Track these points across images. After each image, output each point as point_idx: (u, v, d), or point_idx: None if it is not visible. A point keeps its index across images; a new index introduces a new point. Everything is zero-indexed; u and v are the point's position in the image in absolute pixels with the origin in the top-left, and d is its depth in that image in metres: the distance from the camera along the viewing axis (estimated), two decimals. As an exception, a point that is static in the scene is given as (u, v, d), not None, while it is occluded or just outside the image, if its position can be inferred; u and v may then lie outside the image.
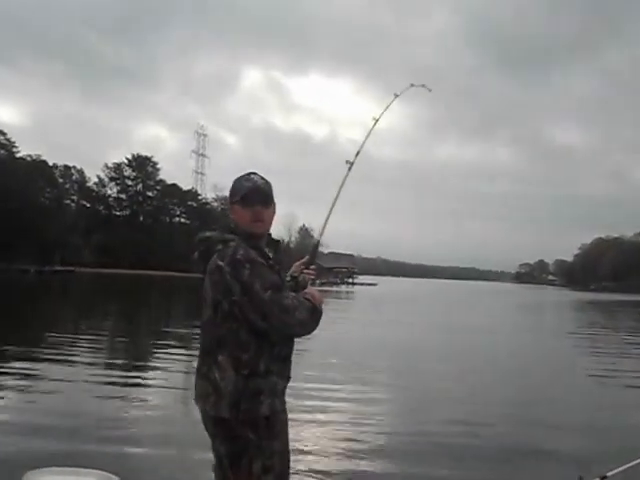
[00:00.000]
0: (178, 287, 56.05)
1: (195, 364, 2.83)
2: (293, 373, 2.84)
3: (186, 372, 10.55)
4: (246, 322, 2.61)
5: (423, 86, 3.86)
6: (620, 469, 3.96)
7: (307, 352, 12.15)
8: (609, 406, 9.56)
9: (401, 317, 27.54)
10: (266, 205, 2.81)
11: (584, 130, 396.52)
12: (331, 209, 3.24)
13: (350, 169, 3.32)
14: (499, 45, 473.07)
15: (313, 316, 2.71)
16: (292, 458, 2.83)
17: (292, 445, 2.86)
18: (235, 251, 2.62)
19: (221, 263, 2.61)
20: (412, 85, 3.79)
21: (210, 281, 2.67)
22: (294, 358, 2.84)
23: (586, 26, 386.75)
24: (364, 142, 3.48)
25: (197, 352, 2.83)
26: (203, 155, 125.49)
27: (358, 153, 3.40)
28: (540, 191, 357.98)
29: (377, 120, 3.59)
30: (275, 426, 2.70)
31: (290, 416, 2.83)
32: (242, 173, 2.86)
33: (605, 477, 3.90)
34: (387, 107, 3.67)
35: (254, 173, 2.86)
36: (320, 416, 7.82)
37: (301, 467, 5.57)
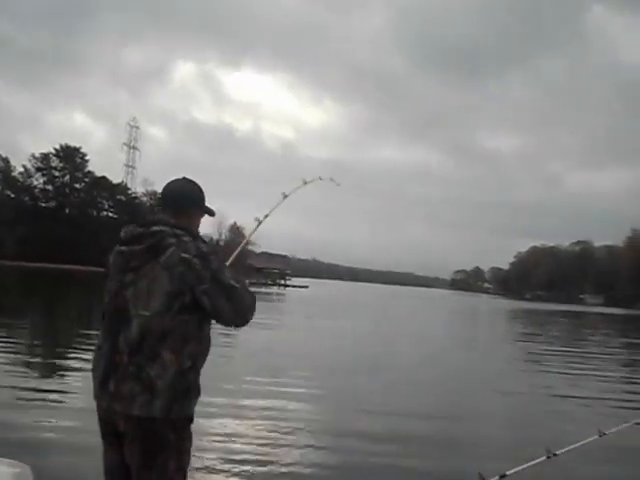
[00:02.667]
0: (101, 283, 54.35)
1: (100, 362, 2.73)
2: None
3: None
4: (212, 309, 2.69)
5: (331, 180, 4.22)
6: (519, 468, 4.03)
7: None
8: (510, 411, 9.84)
9: (323, 323, 27.28)
10: None
11: (521, 137, 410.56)
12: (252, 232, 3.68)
13: (258, 226, 3.68)
14: (436, 48, 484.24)
15: (255, 302, 2.87)
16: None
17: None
18: (198, 244, 2.73)
19: (187, 255, 2.66)
20: (320, 178, 4.10)
21: (169, 274, 2.64)
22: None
23: (521, 33, 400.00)
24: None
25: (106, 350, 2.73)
26: (135, 148, 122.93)
27: (267, 216, 3.76)
28: (477, 197, 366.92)
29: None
30: (190, 426, 2.76)
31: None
32: (176, 177, 3.02)
33: (505, 475, 3.96)
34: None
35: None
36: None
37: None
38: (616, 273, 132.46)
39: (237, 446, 6.61)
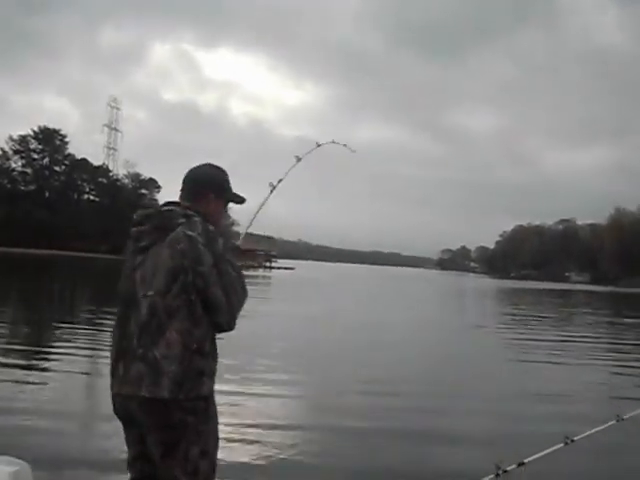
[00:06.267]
0: (84, 268, 53.80)
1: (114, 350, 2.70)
2: None
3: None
4: (204, 295, 2.61)
5: (344, 145, 4.04)
6: (537, 455, 3.91)
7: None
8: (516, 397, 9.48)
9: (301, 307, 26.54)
10: None
11: (505, 116, 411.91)
12: (252, 220, 3.44)
13: (272, 191, 3.50)
14: (414, 27, 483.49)
15: (245, 298, 2.80)
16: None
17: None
18: (206, 225, 2.67)
19: (192, 233, 2.62)
20: (333, 142, 3.95)
21: (171, 250, 2.61)
22: None
23: (500, 9, 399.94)
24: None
25: (116, 336, 2.71)
26: (116, 129, 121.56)
27: (281, 180, 3.54)
28: (461, 176, 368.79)
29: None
30: (210, 408, 2.68)
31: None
32: (205, 162, 2.96)
33: (523, 463, 3.83)
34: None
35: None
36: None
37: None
38: (600, 251, 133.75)
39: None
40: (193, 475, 2.59)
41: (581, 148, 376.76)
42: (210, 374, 2.67)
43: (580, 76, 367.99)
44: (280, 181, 3.51)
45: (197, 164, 2.96)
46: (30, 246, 77.41)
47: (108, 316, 14.70)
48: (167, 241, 2.63)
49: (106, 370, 2.76)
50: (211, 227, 2.69)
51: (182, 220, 2.66)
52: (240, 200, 3.00)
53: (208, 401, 2.66)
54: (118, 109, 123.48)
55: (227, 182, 2.95)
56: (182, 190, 2.89)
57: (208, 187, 2.87)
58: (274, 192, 3.53)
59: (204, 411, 2.64)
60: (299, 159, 3.67)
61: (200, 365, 2.61)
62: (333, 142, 3.95)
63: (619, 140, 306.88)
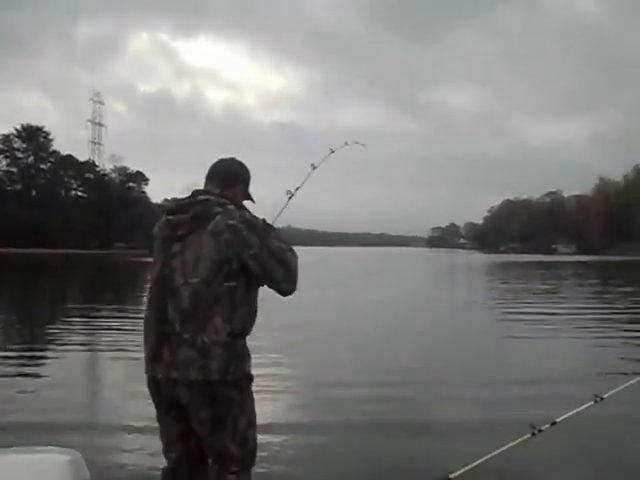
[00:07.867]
0: (76, 265, 53.44)
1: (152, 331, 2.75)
2: None
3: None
4: (262, 273, 2.72)
5: (357, 143, 4.00)
6: (568, 414, 3.99)
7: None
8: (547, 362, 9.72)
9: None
10: None
11: (487, 93, 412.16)
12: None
13: (290, 198, 3.27)
14: (392, 6, 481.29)
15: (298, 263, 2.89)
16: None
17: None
18: (243, 212, 2.80)
19: (233, 222, 2.69)
20: (346, 144, 3.89)
21: (216, 241, 2.68)
22: None
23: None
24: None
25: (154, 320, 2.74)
26: (100, 124, 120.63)
27: (298, 188, 3.35)
28: (449, 155, 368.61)
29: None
30: (251, 385, 2.81)
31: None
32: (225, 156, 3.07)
33: (555, 423, 3.93)
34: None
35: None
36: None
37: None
38: (586, 222, 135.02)
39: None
40: (243, 445, 2.73)
41: (565, 121, 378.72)
42: (249, 354, 2.79)
43: (560, 50, 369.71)
44: (297, 189, 3.43)
45: (224, 157, 3.06)
46: (20, 246, 76.99)
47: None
48: (209, 230, 2.69)
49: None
50: (247, 213, 2.81)
51: (219, 209, 2.74)
52: (252, 200, 3.11)
53: (250, 379, 2.79)
54: (101, 103, 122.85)
55: (250, 180, 3.10)
56: (210, 179, 2.97)
57: (239, 179, 3.03)
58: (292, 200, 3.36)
59: (247, 388, 2.77)
60: (314, 167, 3.64)
61: (243, 346, 2.75)
62: (346, 144, 3.91)
63: (602, 112, 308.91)
